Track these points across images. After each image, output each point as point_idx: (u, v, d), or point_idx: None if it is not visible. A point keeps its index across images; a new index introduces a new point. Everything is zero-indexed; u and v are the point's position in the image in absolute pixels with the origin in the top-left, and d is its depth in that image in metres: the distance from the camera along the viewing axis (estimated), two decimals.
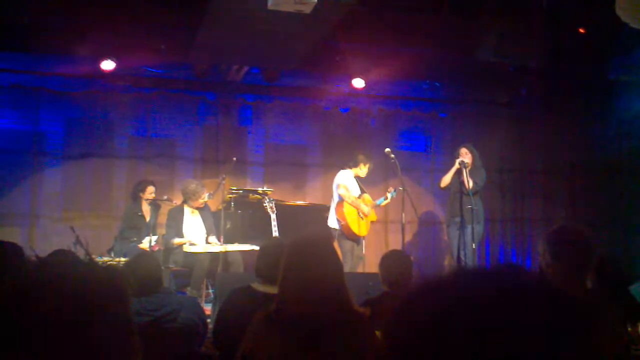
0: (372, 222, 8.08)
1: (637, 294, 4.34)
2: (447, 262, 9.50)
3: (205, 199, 7.58)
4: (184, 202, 7.57)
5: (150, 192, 7.84)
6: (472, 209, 7.79)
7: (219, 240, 7.33)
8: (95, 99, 8.59)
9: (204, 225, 7.60)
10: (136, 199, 7.90)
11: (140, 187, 7.89)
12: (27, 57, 8.33)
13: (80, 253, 1.16)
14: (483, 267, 0.85)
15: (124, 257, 6.88)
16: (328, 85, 9.47)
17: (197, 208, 7.59)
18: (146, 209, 7.86)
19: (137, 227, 7.73)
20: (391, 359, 0.91)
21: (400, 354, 0.88)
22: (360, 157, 7.98)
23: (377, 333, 2.80)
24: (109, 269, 1.11)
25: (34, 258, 1.09)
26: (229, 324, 3.56)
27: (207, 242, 7.41)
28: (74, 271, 1.07)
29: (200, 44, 7.46)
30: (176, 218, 7.48)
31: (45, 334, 1.00)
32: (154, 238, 7.37)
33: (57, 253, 3.46)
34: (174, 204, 7.67)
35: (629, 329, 3.07)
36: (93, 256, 1.23)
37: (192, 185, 7.57)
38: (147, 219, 7.79)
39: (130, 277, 1.13)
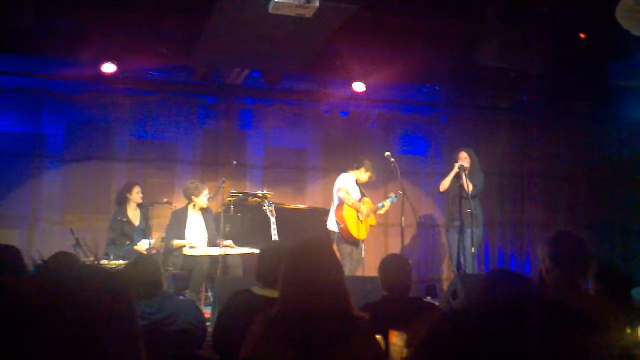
0: (371, 226, 8.08)
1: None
2: (446, 266, 9.51)
3: (207, 197, 7.55)
4: (188, 204, 7.57)
5: (137, 191, 7.74)
6: (471, 213, 7.81)
7: (219, 245, 7.26)
8: (96, 102, 8.59)
9: (206, 228, 7.60)
10: (121, 204, 7.77)
11: (127, 189, 7.80)
12: (29, 60, 8.34)
13: (81, 256, 1.16)
14: (501, 298, 0.90)
15: (122, 260, 6.86)
16: (329, 89, 9.48)
17: (201, 209, 7.57)
18: (132, 214, 7.75)
19: (125, 233, 7.62)
20: None
21: None
22: (367, 162, 7.94)
23: (378, 337, 2.81)
24: (113, 272, 1.10)
25: (39, 261, 1.08)
26: (228, 328, 3.56)
27: (224, 246, 7.16)
28: (79, 274, 1.06)
29: (202, 48, 7.47)
30: (179, 220, 7.47)
31: (50, 339, 0.99)
32: (152, 242, 7.36)
33: (59, 256, 3.46)
34: (174, 207, 7.66)
35: (629, 331, 3.08)
36: (94, 259, 1.23)
37: (193, 184, 7.58)
38: (137, 223, 7.73)
39: (132, 280, 1.12)
